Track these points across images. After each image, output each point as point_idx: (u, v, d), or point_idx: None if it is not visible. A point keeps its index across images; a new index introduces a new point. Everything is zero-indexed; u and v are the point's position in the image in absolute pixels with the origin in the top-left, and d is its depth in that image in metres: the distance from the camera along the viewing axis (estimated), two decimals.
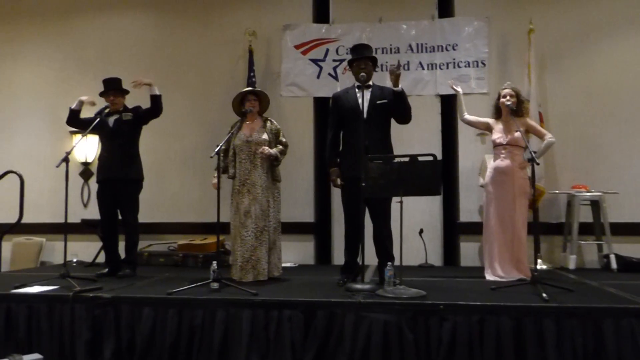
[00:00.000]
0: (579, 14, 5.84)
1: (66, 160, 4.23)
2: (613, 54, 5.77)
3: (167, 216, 6.28)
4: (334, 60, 6.13)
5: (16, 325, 3.66)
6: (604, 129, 5.72)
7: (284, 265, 4.92)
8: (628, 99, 5.66)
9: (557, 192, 5.64)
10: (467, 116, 4.79)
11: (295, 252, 5.94)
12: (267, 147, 4.39)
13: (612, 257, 5.22)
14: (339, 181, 4.29)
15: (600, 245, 5.48)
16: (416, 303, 3.37)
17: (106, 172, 4.77)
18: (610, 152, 5.69)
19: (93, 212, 6.16)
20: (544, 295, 3.41)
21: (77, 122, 4.87)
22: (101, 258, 5.48)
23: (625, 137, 5.66)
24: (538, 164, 3.96)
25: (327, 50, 6.16)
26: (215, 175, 4.39)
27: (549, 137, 4.62)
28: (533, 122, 4.79)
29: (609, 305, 3.30)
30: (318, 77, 6.16)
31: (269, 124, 4.55)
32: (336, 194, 5.74)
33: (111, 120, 4.81)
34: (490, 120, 4.73)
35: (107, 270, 4.74)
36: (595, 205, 5.41)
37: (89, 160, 6.42)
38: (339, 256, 5.79)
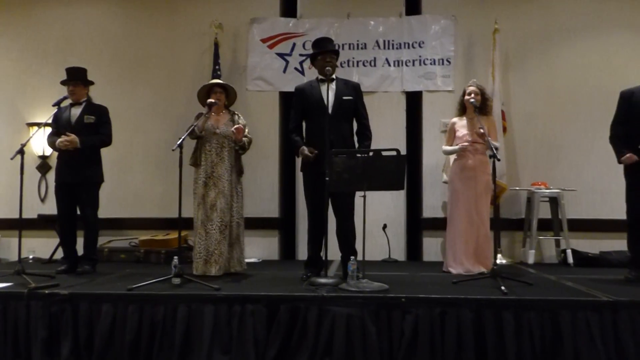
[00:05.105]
0: (542, 16, 5.95)
1: (21, 152, 4.11)
2: (574, 56, 5.91)
3: (129, 211, 6.15)
4: (301, 55, 6.09)
5: None
6: (564, 128, 5.86)
7: (248, 260, 4.90)
8: (587, 100, 5.79)
9: (518, 188, 5.75)
10: (444, 147, 4.91)
11: (260, 248, 5.91)
12: (242, 126, 4.26)
13: (569, 252, 5.36)
14: (306, 150, 4.08)
15: (558, 241, 5.62)
16: (379, 297, 3.39)
17: (65, 176, 4.62)
18: (569, 151, 5.84)
19: (51, 207, 5.98)
20: (503, 288, 3.49)
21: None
22: (59, 254, 5.34)
23: (584, 137, 5.79)
24: (499, 159, 4.04)
25: (294, 44, 6.12)
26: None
27: (496, 144, 4.57)
28: (495, 124, 4.86)
29: (566, 298, 3.39)
30: (284, 71, 6.13)
31: (236, 117, 4.50)
32: (301, 190, 5.73)
33: (73, 115, 4.65)
34: (455, 119, 4.80)
35: (65, 267, 4.60)
36: (554, 201, 5.55)
37: (47, 153, 6.22)
38: (303, 251, 5.73)
